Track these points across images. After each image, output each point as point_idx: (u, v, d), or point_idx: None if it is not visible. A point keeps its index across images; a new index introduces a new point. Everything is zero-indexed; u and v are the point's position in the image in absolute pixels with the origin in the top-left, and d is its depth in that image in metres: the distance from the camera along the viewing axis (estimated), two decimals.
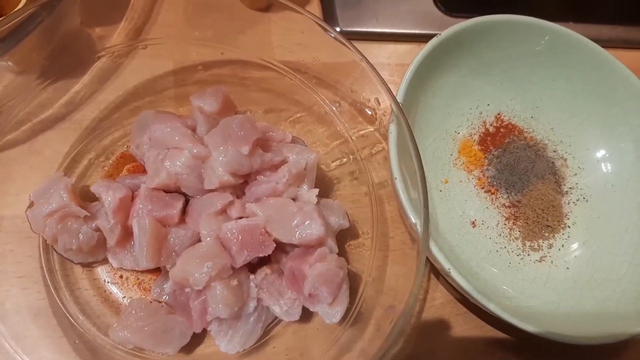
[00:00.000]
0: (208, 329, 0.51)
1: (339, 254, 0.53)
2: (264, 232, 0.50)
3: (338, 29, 0.73)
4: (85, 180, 0.58)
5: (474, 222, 0.64)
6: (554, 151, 0.69)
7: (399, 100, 0.56)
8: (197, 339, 0.52)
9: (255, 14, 0.68)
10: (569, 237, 0.64)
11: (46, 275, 0.52)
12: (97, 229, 0.51)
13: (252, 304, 0.50)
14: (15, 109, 0.57)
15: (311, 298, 0.49)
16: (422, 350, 0.57)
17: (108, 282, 0.54)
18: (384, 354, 0.46)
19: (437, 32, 0.62)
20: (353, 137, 0.63)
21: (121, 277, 0.54)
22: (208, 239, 0.50)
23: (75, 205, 0.50)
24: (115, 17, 0.64)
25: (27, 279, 0.52)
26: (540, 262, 0.63)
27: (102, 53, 0.61)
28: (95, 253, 0.53)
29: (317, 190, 0.54)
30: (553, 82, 0.69)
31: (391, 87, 0.55)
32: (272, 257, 0.52)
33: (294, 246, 0.52)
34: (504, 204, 0.65)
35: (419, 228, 0.49)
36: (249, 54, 0.64)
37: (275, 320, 0.54)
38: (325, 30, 0.57)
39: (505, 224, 0.64)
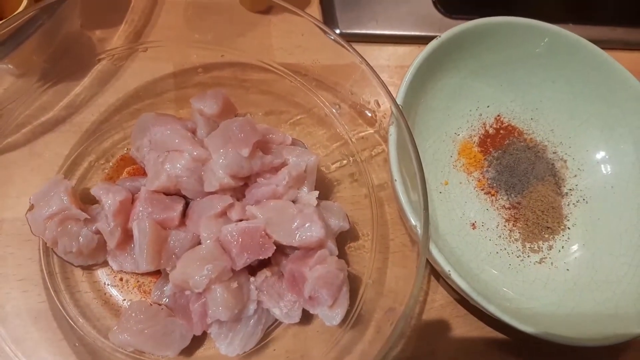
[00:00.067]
0: (208, 331, 0.51)
1: (339, 256, 0.53)
2: (264, 234, 0.50)
3: (338, 31, 0.74)
4: (86, 182, 0.58)
5: (474, 224, 0.64)
6: (553, 153, 0.69)
7: (398, 103, 0.56)
8: (197, 341, 0.52)
9: (255, 17, 0.68)
10: (568, 238, 0.64)
11: (46, 278, 0.52)
12: (97, 232, 0.51)
13: (252, 307, 0.50)
14: (15, 112, 0.57)
15: (311, 300, 0.50)
16: (422, 352, 0.57)
17: (108, 284, 0.54)
18: (384, 356, 0.46)
19: (436, 34, 0.62)
20: (353, 139, 0.63)
21: (121, 279, 0.54)
22: (208, 241, 0.50)
23: (76, 208, 0.50)
24: (115, 19, 0.64)
25: (27, 281, 0.52)
26: (540, 263, 0.63)
27: (102, 56, 0.61)
28: (96, 256, 0.53)
29: (317, 193, 0.54)
30: (553, 84, 0.69)
31: (391, 89, 0.55)
32: (272, 259, 0.52)
33: (294, 248, 0.52)
34: (503, 206, 0.65)
35: (419, 230, 0.49)
36: (249, 56, 0.64)
37: (276, 323, 0.54)
38: (325, 32, 0.57)
39: (505, 226, 0.64)
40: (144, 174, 0.57)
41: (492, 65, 0.68)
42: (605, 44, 0.68)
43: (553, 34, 0.65)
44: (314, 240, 0.50)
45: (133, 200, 0.53)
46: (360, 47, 0.58)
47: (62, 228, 0.50)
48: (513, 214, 0.65)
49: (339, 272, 0.50)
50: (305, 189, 0.55)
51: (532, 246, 0.63)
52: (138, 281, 0.54)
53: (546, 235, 0.64)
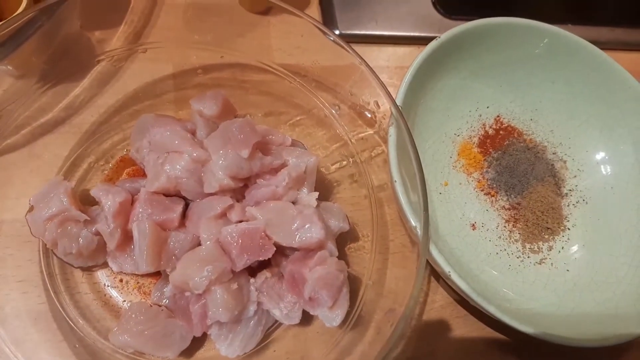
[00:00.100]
0: (208, 332, 0.51)
1: (339, 257, 0.53)
2: (264, 235, 0.50)
3: (337, 32, 0.74)
4: (85, 184, 0.58)
5: (473, 225, 0.64)
6: (553, 153, 0.69)
7: (398, 103, 0.56)
8: (198, 342, 0.52)
9: (255, 18, 0.68)
10: (568, 239, 0.64)
11: (46, 279, 0.52)
12: (97, 233, 0.51)
13: (252, 308, 0.50)
14: (15, 113, 0.57)
15: (311, 301, 0.50)
16: (423, 353, 0.57)
17: (108, 286, 0.54)
18: (384, 357, 0.46)
19: (436, 35, 0.62)
20: (353, 140, 0.63)
21: (121, 280, 0.54)
22: (208, 242, 0.50)
23: (75, 210, 0.50)
24: (114, 20, 0.64)
25: (27, 283, 0.52)
26: (540, 264, 0.63)
27: (101, 57, 0.61)
28: (95, 257, 0.53)
29: (317, 194, 0.54)
30: (552, 85, 0.69)
31: (390, 89, 0.55)
32: (272, 260, 0.52)
33: (294, 249, 0.52)
34: (503, 206, 0.65)
35: (419, 231, 0.49)
36: (249, 57, 0.64)
37: (276, 324, 0.54)
38: (325, 33, 0.57)
39: (505, 227, 0.64)
40: (143, 175, 0.57)
41: (492, 65, 0.68)
42: (605, 45, 0.68)
43: (552, 35, 0.65)
44: (314, 242, 0.50)
45: (133, 202, 0.53)
46: (360, 48, 0.58)
47: (62, 229, 0.50)
48: (513, 215, 0.65)
49: (339, 273, 0.50)
50: (305, 190, 0.55)
51: (532, 247, 0.63)
52: (138, 282, 0.54)
53: (546, 236, 0.64)
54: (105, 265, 0.54)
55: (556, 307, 0.58)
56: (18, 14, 0.52)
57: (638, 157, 0.66)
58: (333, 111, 0.63)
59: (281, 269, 0.53)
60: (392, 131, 0.54)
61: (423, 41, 0.69)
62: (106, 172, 0.59)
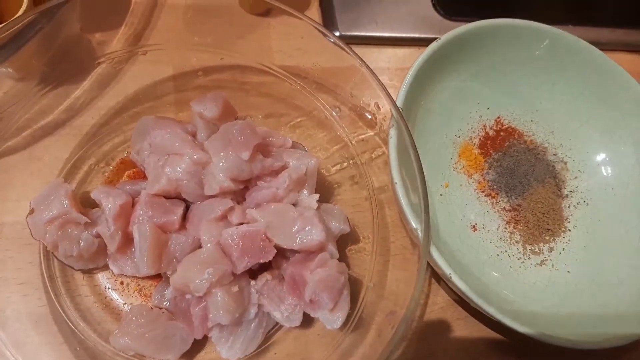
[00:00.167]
0: (209, 335, 0.51)
1: (340, 259, 0.53)
2: (265, 238, 0.50)
3: (337, 33, 0.73)
4: (86, 186, 0.58)
5: (474, 226, 0.64)
6: (554, 154, 0.69)
7: (398, 105, 0.56)
8: (198, 345, 0.52)
9: (255, 19, 0.68)
10: (569, 240, 0.64)
11: (47, 281, 0.52)
12: (98, 236, 0.51)
13: (253, 310, 0.50)
14: (15, 116, 0.57)
15: (312, 304, 0.49)
16: (423, 354, 0.57)
17: (109, 288, 0.54)
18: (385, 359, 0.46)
19: (436, 36, 0.62)
20: (353, 142, 0.63)
21: (122, 283, 0.54)
22: (209, 245, 0.50)
23: (76, 212, 0.50)
24: (115, 22, 0.64)
25: (27, 285, 0.52)
26: (541, 265, 0.63)
27: (102, 59, 0.61)
28: (96, 259, 0.53)
29: (317, 196, 0.54)
30: (552, 86, 0.69)
31: (391, 91, 0.55)
32: (273, 262, 0.52)
33: (294, 252, 0.52)
34: (504, 208, 0.65)
35: (420, 233, 0.49)
36: (249, 59, 0.64)
37: (276, 326, 0.53)
38: (325, 35, 0.57)
39: (505, 228, 0.64)
40: (144, 177, 0.57)
41: (492, 67, 0.68)
42: (605, 46, 0.68)
43: (553, 36, 0.65)
44: (314, 244, 0.50)
45: (133, 204, 0.53)
46: (360, 49, 0.58)
47: (63, 232, 0.50)
48: (514, 216, 0.65)
49: (339, 276, 0.50)
50: (305, 192, 0.55)
51: (533, 248, 0.63)
52: (139, 285, 0.54)
53: (547, 237, 0.64)
54: (105, 267, 0.54)
55: (557, 308, 0.58)
56: (18, 17, 0.52)
57: (639, 158, 0.66)
58: (333, 113, 0.63)
59: (282, 271, 0.53)
60: (392, 133, 0.54)
61: (423, 42, 0.69)
62: (107, 174, 0.59)
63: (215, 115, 0.55)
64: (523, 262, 0.62)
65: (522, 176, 0.66)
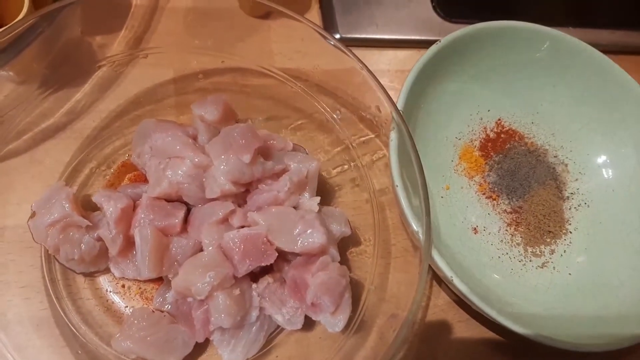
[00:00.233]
0: (211, 338, 0.51)
1: (341, 262, 0.53)
2: (266, 241, 0.50)
3: (338, 36, 0.74)
4: (87, 189, 0.58)
5: (475, 229, 0.64)
6: (554, 156, 0.69)
7: (399, 108, 0.56)
8: (200, 348, 0.52)
9: (255, 22, 0.68)
10: (570, 242, 0.64)
11: (48, 285, 0.52)
12: (99, 239, 0.51)
13: (254, 313, 0.50)
14: (16, 119, 0.57)
15: (313, 307, 0.49)
16: (425, 357, 0.57)
17: (110, 291, 0.54)
18: None
19: (436, 38, 0.62)
20: (354, 144, 0.63)
21: (123, 286, 0.54)
22: (210, 248, 0.50)
23: (77, 215, 0.50)
24: (115, 26, 0.64)
25: (29, 289, 0.52)
26: (542, 268, 0.63)
27: (102, 62, 0.61)
28: (97, 263, 0.53)
29: (318, 199, 0.54)
30: (553, 88, 0.69)
31: (391, 93, 0.55)
32: (274, 265, 0.52)
33: (296, 255, 0.52)
34: (505, 210, 0.65)
35: (421, 236, 0.49)
36: (249, 61, 0.64)
37: (278, 329, 0.53)
38: (325, 37, 0.57)
39: (506, 230, 0.64)
40: (145, 180, 0.57)
41: (493, 69, 0.68)
42: (605, 47, 0.68)
43: (554, 38, 0.65)
44: (315, 247, 0.50)
45: (134, 207, 0.53)
46: (361, 52, 0.58)
47: (64, 235, 0.50)
48: (514, 218, 0.65)
49: (341, 279, 0.50)
50: (306, 194, 0.55)
51: (534, 250, 0.63)
52: (140, 288, 0.54)
53: (548, 240, 0.64)
54: (107, 270, 0.54)
55: (558, 311, 0.58)
56: (19, 20, 0.52)
57: (639, 160, 0.66)
58: (334, 115, 0.63)
59: (283, 274, 0.53)
60: (393, 136, 0.54)
61: (423, 44, 0.69)
62: (108, 177, 0.59)
63: (216, 118, 0.56)
64: (524, 265, 0.62)
65: (523, 178, 0.66)
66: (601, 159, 0.68)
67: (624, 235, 0.63)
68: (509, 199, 0.66)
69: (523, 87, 0.70)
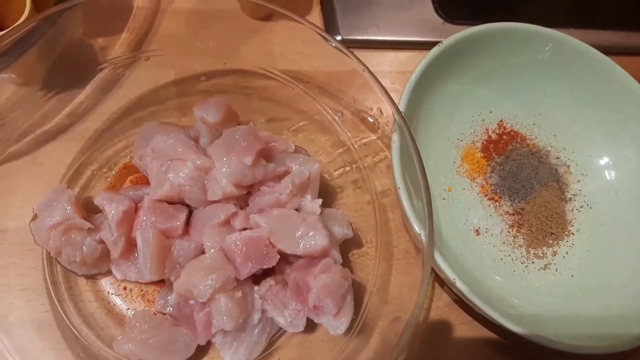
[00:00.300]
0: (213, 340, 0.50)
1: (343, 264, 0.53)
2: (268, 243, 0.50)
3: (339, 37, 0.74)
4: (89, 191, 0.58)
5: (477, 230, 0.64)
6: (556, 158, 0.69)
7: (401, 109, 0.56)
8: (202, 351, 0.52)
9: (257, 24, 0.68)
10: (573, 244, 0.64)
11: (50, 287, 0.52)
12: (101, 241, 0.51)
13: (256, 316, 0.50)
14: (18, 121, 0.57)
15: (316, 310, 0.49)
16: (426, 358, 0.57)
17: (112, 293, 0.54)
18: None
19: (438, 40, 0.62)
20: (356, 146, 0.63)
21: (125, 288, 0.54)
22: (212, 250, 0.50)
23: (79, 218, 0.50)
24: (117, 28, 0.65)
25: (30, 291, 0.52)
26: (544, 269, 0.62)
27: (104, 64, 0.61)
28: (99, 265, 0.53)
29: (320, 201, 0.54)
30: (555, 89, 0.69)
31: (393, 94, 0.55)
32: (276, 268, 0.52)
33: (298, 257, 0.52)
34: (507, 212, 0.65)
35: (424, 238, 0.49)
36: (251, 63, 0.64)
37: (280, 332, 0.53)
38: (326, 39, 0.57)
39: (509, 232, 0.64)
40: (146, 182, 0.57)
41: (494, 70, 0.68)
42: (607, 49, 0.68)
43: (555, 40, 0.65)
44: (318, 249, 0.50)
45: (136, 210, 0.53)
46: (362, 53, 0.58)
47: (66, 237, 0.50)
48: (517, 220, 0.65)
49: (343, 281, 0.49)
50: (308, 196, 0.55)
51: (537, 252, 0.63)
52: (142, 290, 0.54)
53: (550, 241, 0.64)
54: (109, 273, 0.54)
55: (561, 313, 0.58)
56: (21, 23, 0.52)
57: None
58: (336, 117, 0.63)
59: (285, 277, 0.53)
60: (395, 138, 0.54)
61: (425, 46, 0.69)
62: (109, 179, 0.59)
63: (218, 120, 0.56)
64: (526, 266, 0.62)
65: (525, 180, 0.66)
66: (603, 160, 0.68)
67: (626, 237, 0.63)
68: (511, 200, 0.65)
69: (525, 88, 0.69)
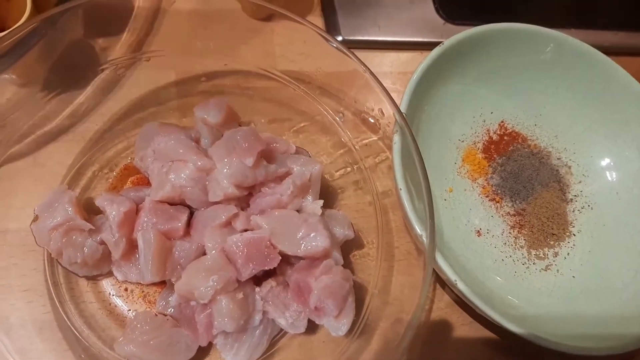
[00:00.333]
0: (214, 342, 0.50)
1: (344, 265, 0.53)
2: (269, 244, 0.50)
3: (340, 38, 0.73)
4: (90, 192, 0.58)
5: (479, 231, 0.64)
6: (558, 159, 0.69)
7: (402, 110, 0.56)
8: (203, 352, 0.52)
9: (258, 24, 0.68)
10: (574, 245, 0.64)
11: (51, 288, 0.52)
12: (102, 242, 0.51)
13: (257, 317, 0.50)
14: (19, 122, 0.57)
15: (317, 311, 0.49)
16: (427, 359, 0.57)
17: (113, 295, 0.54)
18: None
19: (439, 40, 0.62)
20: (357, 147, 0.63)
21: (126, 289, 0.54)
22: (213, 252, 0.50)
23: (80, 219, 0.50)
24: (117, 29, 0.64)
25: (31, 292, 0.52)
26: (545, 270, 0.62)
27: (105, 65, 0.61)
28: (100, 266, 0.53)
29: (321, 202, 0.54)
30: (556, 90, 0.69)
31: (394, 95, 0.55)
32: (278, 269, 0.52)
33: (299, 258, 0.52)
34: (508, 213, 0.65)
35: (425, 239, 0.49)
36: (252, 64, 0.64)
37: (281, 333, 0.53)
38: (327, 40, 0.57)
39: (510, 233, 0.64)
40: (147, 183, 0.57)
41: (496, 71, 0.68)
42: (608, 49, 0.68)
43: (557, 40, 0.65)
44: (319, 250, 0.49)
45: (137, 211, 0.53)
46: (363, 54, 0.58)
47: (67, 239, 0.50)
48: (518, 221, 0.65)
49: (344, 282, 0.49)
50: (309, 198, 0.55)
51: (538, 253, 0.63)
52: (143, 291, 0.54)
53: (551, 242, 0.64)
54: (110, 274, 0.54)
55: (562, 314, 0.58)
56: (21, 24, 0.52)
57: None
58: (337, 118, 0.63)
59: (286, 278, 0.53)
60: (396, 139, 0.54)
61: (426, 46, 0.69)
62: (110, 180, 0.59)
63: (219, 121, 0.55)
64: (528, 267, 0.62)
65: (526, 180, 0.66)
66: (605, 161, 0.68)
67: (628, 238, 0.63)
68: (512, 201, 0.65)
69: (526, 89, 0.69)
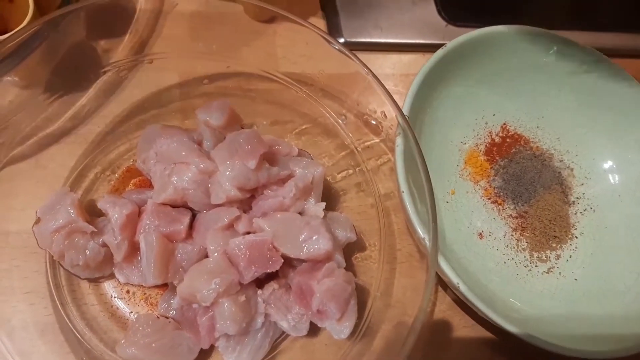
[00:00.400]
0: (216, 344, 0.50)
1: (346, 267, 0.53)
2: (272, 247, 0.50)
3: (342, 40, 0.73)
4: (92, 194, 0.58)
5: (481, 234, 0.64)
6: (560, 161, 0.69)
7: (405, 113, 0.56)
8: (205, 354, 0.52)
9: (260, 26, 0.68)
10: (576, 247, 0.64)
11: (53, 290, 0.52)
12: (104, 245, 0.51)
13: (259, 320, 0.50)
14: (21, 124, 0.57)
15: (319, 314, 0.49)
16: None
17: (115, 297, 0.54)
18: None
19: (441, 42, 0.62)
20: (359, 149, 0.63)
21: (128, 292, 0.54)
22: (215, 254, 0.50)
23: (82, 221, 0.50)
24: (120, 31, 0.64)
25: (33, 294, 0.52)
26: (547, 273, 0.62)
27: (107, 67, 0.61)
28: (102, 268, 0.53)
29: (324, 204, 0.54)
30: (558, 92, 0.69)
31: (396, 97, 0.55)
32: (280, 271, 0.52)
33: (301, 261, 0.52)
34: (510, 215, 0.65)
35: (428, 242, 0.49)
36: (254, 66, 0.64)
37: (283, 335, 0.53)
38: (329, 42, 0.57)
39: (512, 235, 0.64)
40: (150, 185, 0.57)
41: (498, 73, 0.68)
42: (611, 51, 0.68)
43: (559, 42, 0.65)
44: (321, 253, 0.49)
45: (140, 213, 0.53)
46: (365, 56, 0.58)
47: (69, 241, 0.50)
48: (520, 223, 0.64)
49: (346, 285, 0.49)
50: (312, 200, 0.55)
51: (540, 256, 0.63)
52: (145, 293, 0.54)
53: (554, 245, 0.64)
54: (112, 276, 0.54)
55: (564, 317, 0.58)
56: (24, 27, 0.52)
57: None
58: (339, 120, 0.63)
59: (289, 281, 0.53)
60: (399, 141, 0.54)
61: (428, 48, 0.68)
62: (112, 182, 0.59)
63: (221, 124, 0.55)
64: (530, 270, 0.62)
65: (528, 183, 0.66)
66: (607, 163, 0.68)
67: (630, 240, 0.63)
68: (514, 203, 0.65)
69: (528, 91, 0.69)
